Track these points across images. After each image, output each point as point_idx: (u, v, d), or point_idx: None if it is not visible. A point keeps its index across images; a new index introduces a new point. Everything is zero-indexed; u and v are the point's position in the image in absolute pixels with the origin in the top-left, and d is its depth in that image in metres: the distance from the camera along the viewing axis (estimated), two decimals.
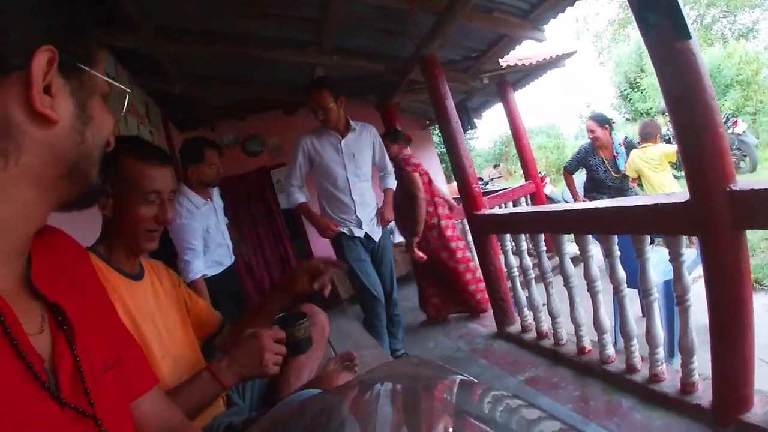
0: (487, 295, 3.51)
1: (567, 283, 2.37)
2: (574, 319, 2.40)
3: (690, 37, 1.45)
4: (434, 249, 3.45)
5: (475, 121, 6.56)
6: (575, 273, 2.38)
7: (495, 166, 12.74)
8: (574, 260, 2.64)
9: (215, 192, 2.71)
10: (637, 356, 2.09)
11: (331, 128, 2.68)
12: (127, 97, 0.71)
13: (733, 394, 1.66)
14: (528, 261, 2.83)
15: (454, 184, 8.02)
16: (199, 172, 2.50)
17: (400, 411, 0.64)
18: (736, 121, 7.26)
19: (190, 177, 2.49)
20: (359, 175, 2.75)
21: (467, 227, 3.95)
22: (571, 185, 4.48)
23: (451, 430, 0.56)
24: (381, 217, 2.86)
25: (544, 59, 4.73)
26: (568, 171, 4.37)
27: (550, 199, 6.68)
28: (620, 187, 4.05)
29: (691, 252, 2.39)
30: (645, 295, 1.95)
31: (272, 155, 5.71)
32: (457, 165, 3.11)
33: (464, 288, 3.50)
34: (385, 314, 2.81)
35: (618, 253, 2.08)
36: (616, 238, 2.07)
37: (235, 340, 0.99)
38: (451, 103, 3.07)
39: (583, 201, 4.47)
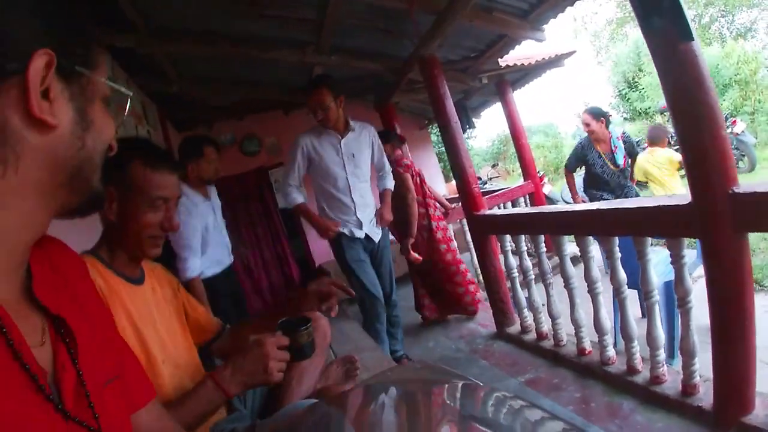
0: (478, 296, 3.54)
1: (567, 284, 2.37)
2: (574, 320, 2.39)
3: (693, 39, 1.45)
4: (424, 250, 3.44)
5: (474, 120, 6.55)
6: (575, 274, 2.38)
7: (493, 166, 12.74)
8: (573, 260, 2.63)
9: (213, 191, 2.70)
10: (638, 358, 2.09)
11: (331, 128, 2.64)
12: (129, 100, 0.70)
13: (735, 397, 1.66)
14: (528, 262, 2.83)
15: (453, 183, 8.00)
16: (198, 169, 2.50)
17: (404, 419, 0.63)
18: (734, 121, 7.27)
19: (190, 174, 2.48)
20: (359, 175, 2.73)
21: (466, 227, 3.95)
22: (571, 184, 4.47)
23: None
24: (380, 218, 2.83)
25: (543, 59, 4.72)
26: (568, 169, 4.35)
27: (549, 199, 6.68)
28: (619, 183, 4.01)
29: (691, 252, 2.38)
30: (646, 296, 1.95)
31: (270, 155, 5.70)
32: (456, 165, 3.10)
33: (454, 290, 3.50)
34: (385, 315, 2.80)
35: (619, 254, 2.08)
36: (617, 240, 2.06)
37: (238, 347, 0.98)
38: (450, 102, 3.06)
39: (582, 201, 4.47)
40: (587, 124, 3.99)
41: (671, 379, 1.95)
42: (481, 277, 3.55)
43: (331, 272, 4.91)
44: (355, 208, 2.70)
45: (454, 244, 3.59)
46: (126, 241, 1.02)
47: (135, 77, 3.30)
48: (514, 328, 3.03)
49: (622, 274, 2.08)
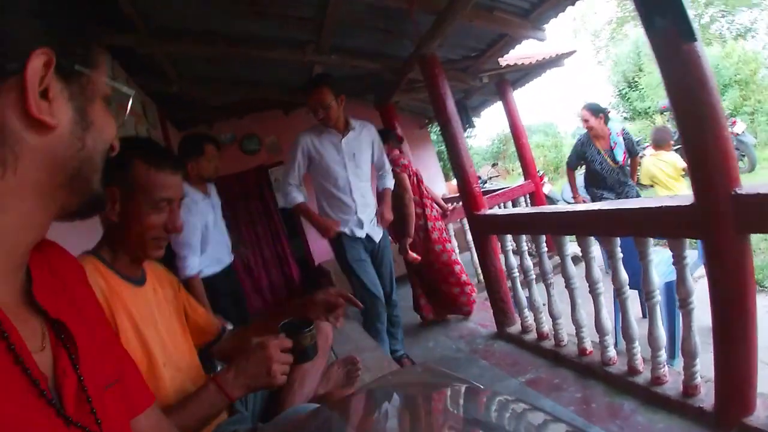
0: (473, 297, 3.54)
1: (568, 285, 2.37)
2: (575, 320, 2.39)
3: (696, 39, 1.44)
4: (420, 251, 3.44)
5: (474, 119, 6.55)
6: (576, 274, 2.38)
7: (493, 165, 12.71)
8: (574, 259, 2.63)
9: (212, 189, 2.70)
10: (639, 358, 2.09)
11: (331, 127, 2.62)
12: (131, 99, 0.69)
13: (736, 397, 1.66)
14: (529, 261, 2.83)
15: (453, 182, 7.99)
16: (198, 166, 2.50)
17: (407, 426, 0.63)
18: (734, 121, 7.26)
19: (190, 172, 2.48)
20: (359, 175, 2.71)
21: (466, 227, 3.95)
22: (572, 182, 4.46)
23: None
24: (381, 218, 2.82)
25: (544, 58, 4.72)
26: (570, 167, 4.34)
27: (549, 199, 6.67)
28: (618, 179, 3.99)
29: (692, 253, 2.38)
30: (647, 297, 1.95)
31: (270, 154, 5.70)
32: (457, 164, 3.10)
33: (449, 290, 3.51)
34: (386, 315, 2.79)
35: (620, 255, 2.07)
36: (618, 240, 2.06)
37: (240, 348, 0.97)
38: (451, 102, 3.06)
39: (583, 200, 4.46)
40: (586, 120, 3.98)
41: (672, 380, 1.94)
42: (481, 277, 3.55)
43: (331, 271, 4.91)
44: (356, 208, 2.69)
45: (451, 244, 3.58)
46: (128, 242, 1.00)
47: (135, 77, 3.30)
48: (515, 328, 3.03)
49: (624, 275, 2.07)
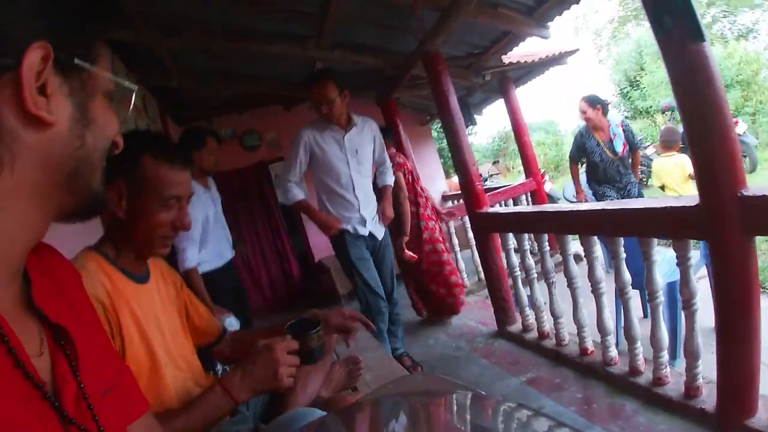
0: (461, 299, 3.53)
1: (570, 284, 2.36)
2: (577, 319, 2.39)
3: (704, 40, 1.43)
4: (410, 249, 3.41)
5: (475, 117, 6.53)
6: (579, 273, 2.37)
7: (494, 163, 12.72)
8: (576, 258, 2.62)
9: (212, 183, 2.69)
10: (641, 359, 2.08)
11: (334, 123, 2.58)
12: (134, 94, 0.67)
13: (738, 399, 1.66)
14: (530, 260, 2.82)
15: (454, 179, 7.96)
16: (200, 159, 2.49)
17: None
18: (736, 122, 7.25)
19: None
20: (362, 171, 2.68)
21: (467, 224, 3.94)
22: (575, 176, 4.45)
23: None
24: (382, 215, 2.79)
25: (547, 56, 4.69)
26: (572, 159, 4.33)
27: (550, 197, 6.66)
28: (618, 170, 3.98)
29: (694, 253, 2.37)
30: (650, 298, 1.94)
31: (270, 150, 5.67)
32: (459, 162, 3.09)
33: (437, 290, 3.51)
34: (387, 313, 2.78)
35: (624, 255, 2.07)
36: (622, 240, 2.05)
37: (243, 350, 0.96)
38: (454, 99, 3.04)
39: (585, 197, 4.45)
40: (583, 112, 3.98)
41: (674, 381, 1.94)
42: (482, 275, 3.55)
43: (331, 268, 4.90)
44: (358, 205, 2.66)
45: (443, 245, 3.55)
46: (135, 240, 0.98)
47: (135, 71, 3.27)
48: (516, 327, 3.02)
49: (627, 275, 2.07)
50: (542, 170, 6.02)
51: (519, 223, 2.87)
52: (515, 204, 4.75)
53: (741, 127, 7.15)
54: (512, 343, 2.95)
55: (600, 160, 3.98)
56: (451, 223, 4.30)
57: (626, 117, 14.83)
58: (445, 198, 6.50)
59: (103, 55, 0.52)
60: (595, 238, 2.21)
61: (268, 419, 1.04)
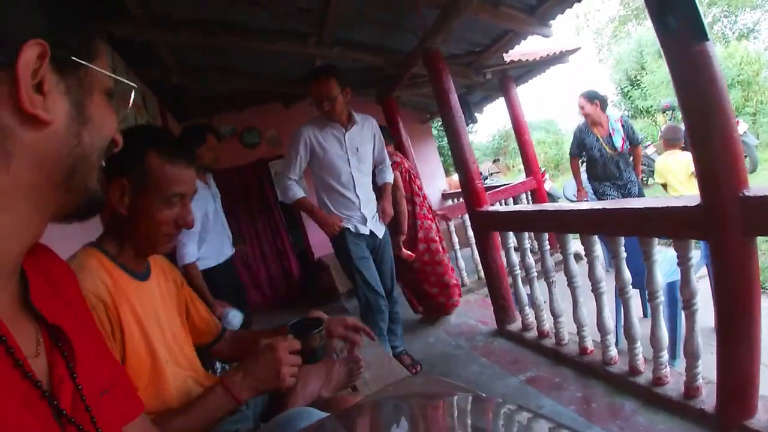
0: (453, 300, 3.53)
1: (570, 283, 2.36)
2: (576, 319, 2.39)
3: (708, 39, 1.42)
4: (405, 248, 3.41)
5: (476, 115, 6.52)
6: (579, 272, 2.37)
7: (495, 161, 12.72)
8: (576, 257, 2.62)
9: (211, 180, 2.70)
10: (641, 358, 2.08)
11: (335, 120, 2.56)
12: (133, 92, 0.66)
13: (738, 400, 1.65)
14: (531, 259, 2.82)
15: (454, 177, 7.94)
16: (200, 156, 2.49)
17: None
18: (737, 122, 7.24)
19: None
20: (362, 170, 2.66)
21: (467, 222, 3.94)
22: (576, 172, 4.45)
23: None
24: (382, 212, 2.78)
25: (548, 55, 4.68)
26: (572, 155, 4.33)
27: (550, 196, 6.66)
28: (617, 166, 3.97)
29: (695, 253, 2.37)
30: (651, 297, 1.94)
31: (270, 147, 5.67)
32: (460, 160, 3.08)
33: (429, 290, 3.51)
34: (388, 312, 2.77)
35: (624, 254, 2.06)
36: (622, 240, 2.05)
37: (244, 349, 0.95)
38: (455, 97, 3.03)
39: (585, 195, 4.44)
40: (582, 107, 3.99)
41: (674, 381, 1.94)
42: (482, 273, 3.55)
43: (330, 265, 4.90)
44: (359, 204, 2.64)
45: (437, 245, 3.53)
46: (138, 237, 0.97)
47: (134, 67, 3.26)
48: (515, 326, 3.02)
49: (627, 275, 2.07)
50: (542, 169, 6.01)
51: (519, 222, 2.86)
52: (515, 203, 4.75)
53: (742, 127, 7.15)
54: (512, 341, 2.95)
55: (599, 156, 3.98)
56: (452, 222, 4.29)
57: (627, 116, 14.83)
58: (445, 196, 6.50)
59: (102, 52, 0.52)
60: (596, 237, 2.21)
61: (268, 419, 1.03)
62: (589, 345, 2.39)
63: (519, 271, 2.96)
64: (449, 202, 6.19)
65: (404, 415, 0.65)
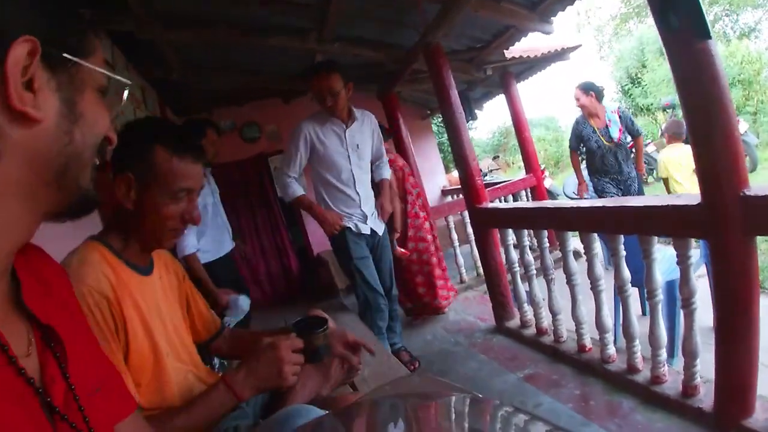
0: (438, 302, 3.50)
1: (569, 281, 2.36)
2: (575, 316, 2.39)
3: (710, 37, 1.42)
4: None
5: (476, 111, 6.50)
6: (578, 270, 2.37)
7: (494, 158, 12.70)
8: (575, 255, 2.61)
9: (209, 176, 2.71)
10: (639, 357, 2.08)
11: (337, 116, 2.52)
12: (128, 88, 0.65)
13: (736, 399, 1.66)
14: (530, 256, 2.81)
15: (453, 173, 7.93)
16: None
17: None
18: (738, 121, 7.24)
19: None
20: (362, 167, 2.64)
21: (467, 219, 3.94)
22: (576, 165, 4.44)
23: None
24: (381, 209, 2.75)
25: (549, 52, 4.66)
26: (572, 148, 4.33)
27: (550, 193, 6.66)
28: (615, 157, 3.97)
29: (694, 252, 2.37)
30: (650, 296, 1.94)
31: (270, 142, 5.66)
32: (460, 156, 3.07)
33: (416, 288, 3.51)
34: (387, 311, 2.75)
35: (624, 252, 2.06)
36: (622, 238, 2.04)
37: (247, 349, 0.95)
38: (455, 93, 3.02)
39: (586, 189, 4.43)
40: (577, 98, 3.99)
41: (672, 380, 1.94)
42: (481, 270, 3.55)
43: (329, 261, 4.89)
44: (360, 201, 2.61)
45: (426, 244, 3.52)
46: (143, 231, 0.96)
47: (134, 62, 3.25)
48: (514, 323, 3.02)
49: (627, 273, 2.07)
50: (542, 166, 6.01)
51: (518, 219, 2.86)
52: (515, 200, 4.75)
53: (742, 126, 7.14)
54: (510, 338, 2.95)
55: (597, 147, 3.98)
56: (450, 218, 4.29)
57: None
58: (444, 193, 6.49)
59: (97, 49, 0.51)
60: (595, 235, 2.20)
61: (268, 415, 1.03)
62: (588, 343, 2.39)
63: (518, 269, 2.96)
64: (449, 199, 6.19)
65: (401, 415, 0.65)
